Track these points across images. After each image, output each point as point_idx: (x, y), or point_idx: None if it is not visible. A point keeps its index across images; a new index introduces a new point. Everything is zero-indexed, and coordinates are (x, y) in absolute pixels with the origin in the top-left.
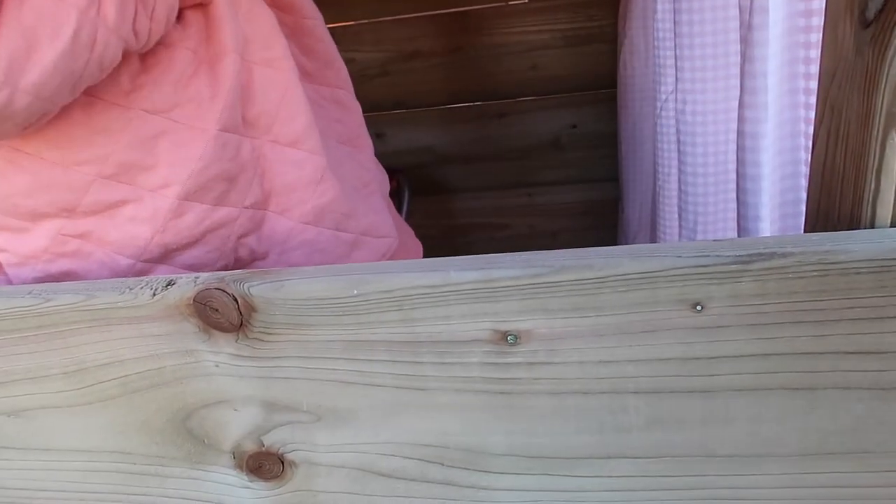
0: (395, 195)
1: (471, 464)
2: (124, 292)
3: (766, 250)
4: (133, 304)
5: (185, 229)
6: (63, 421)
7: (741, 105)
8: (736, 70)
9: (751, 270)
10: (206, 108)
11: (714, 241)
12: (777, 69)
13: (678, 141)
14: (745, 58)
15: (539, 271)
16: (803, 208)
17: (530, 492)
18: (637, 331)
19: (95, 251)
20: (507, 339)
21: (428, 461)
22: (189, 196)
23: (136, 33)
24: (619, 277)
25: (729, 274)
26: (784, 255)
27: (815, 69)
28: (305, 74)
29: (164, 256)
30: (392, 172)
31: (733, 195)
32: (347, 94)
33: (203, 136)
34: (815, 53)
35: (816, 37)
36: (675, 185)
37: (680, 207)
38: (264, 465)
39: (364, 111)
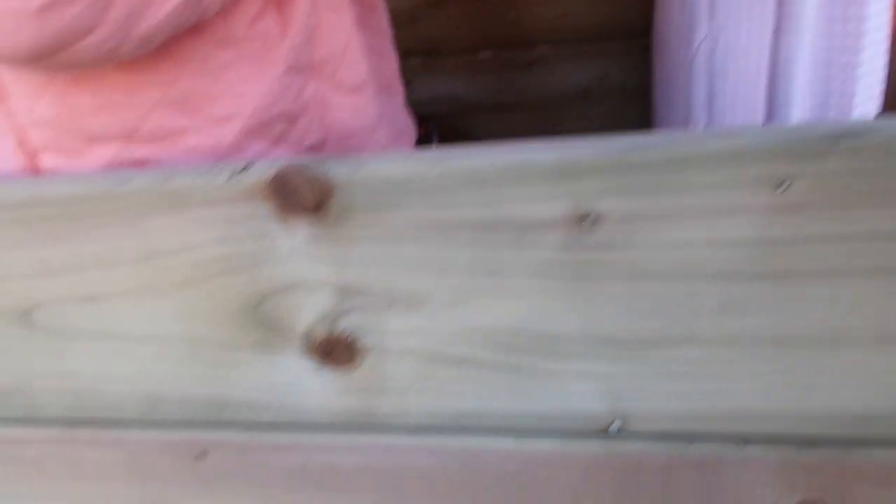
0: (423, 143)
1: (543, 349)
2: (201, 175)
3: (855, 129)
4: (209, 187)
5: None
6: (135, 306)
7: (777, 31)
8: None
9: (838, 149)
10: (274, 46)
11: (802, 123)
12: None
13: (709, 83)
14: None
15: (621, 150)
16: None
17: (600, 377)
18: (717, 212)
19: None
20: (585, 220)
21: (499, 347)
22: (251, 131)
23: None
24: (702, 156)
25: (816, 153)
26: (874, 133)
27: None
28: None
29: None
30: (420, 121)
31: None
32: (388, 41)
33: (270, 73)
34: None
35: None
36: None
37: None
38: (334, 350)
39: None
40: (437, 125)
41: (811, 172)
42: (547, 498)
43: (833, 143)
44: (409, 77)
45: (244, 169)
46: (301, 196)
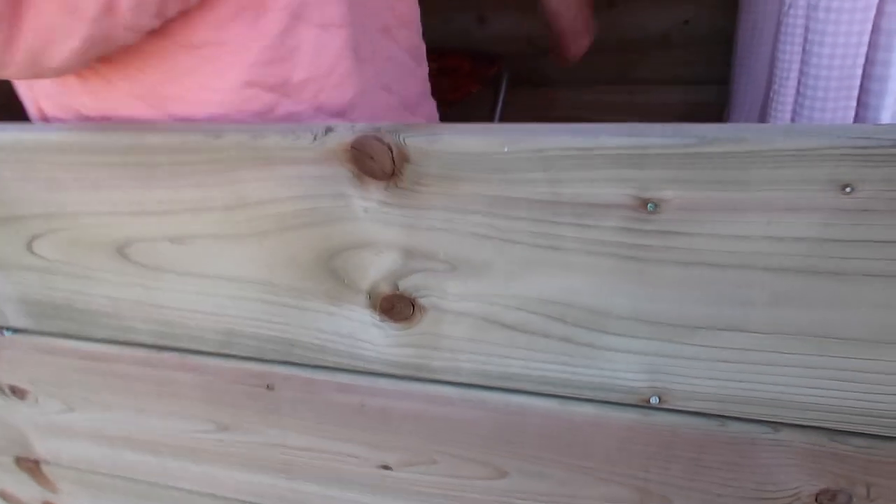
0: (493, 83)
1: (592, 323)
2: (287, 135)
3: None
4: (295, 147)
5: None
6: (219, 250)
7: None
8: None
9: None
10: (238, 56)
11: (874, 124)
12: None
13: (805, 40)
14: None
15: (690, 141)
16: None
17: (645, 355)
18: (779, 208)
19: None
20: (647, 206)
21: (551, 317)
22: None
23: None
24: (770, 152)
25: (887, 157)
26: None
27: None
28: None
29: None
30: (492, 60)
31: (853, 102)
32: (414, 57)
33: (227, 84)
34: None
35: None
36: (792, 90)
37: (794, 112)
38: (396, 306)
39: None
40: (510, 65)
41: (879, 177)
42: (583, 457)
43: None
44: (483, 13)
45: (327, 132)
46: (378, 161)
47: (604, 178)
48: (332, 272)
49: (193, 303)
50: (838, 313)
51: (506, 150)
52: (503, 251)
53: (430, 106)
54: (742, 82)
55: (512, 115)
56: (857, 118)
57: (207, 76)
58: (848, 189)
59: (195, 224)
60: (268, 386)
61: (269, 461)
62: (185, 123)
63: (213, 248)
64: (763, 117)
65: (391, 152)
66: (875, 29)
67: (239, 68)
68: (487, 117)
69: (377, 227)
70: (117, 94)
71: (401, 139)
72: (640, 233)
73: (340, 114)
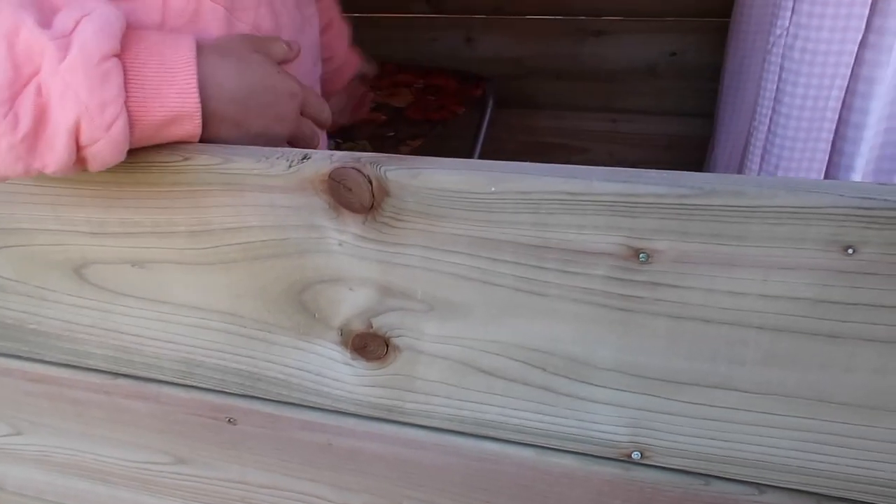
0: (479, 103)
1: (574, 373)
2: (260, 160)
3: None
4: (268, 173)
5: None
6: (183, 277)
7: (862, 45)
8: (860, 10)
9: None
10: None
11: (880, 184)
12: None
13: (779, 79)
14: None
15: (686, 192)
16: None
17: (627, 409)
18: (776, 266)
19: None
20: (639, 256)
21: (531, 364)
22: None
23: None
24: (770, 209)
25: (892, 220)
26: None
27: None
28: None
29: None
30: (479, 80)
31: (824, 144)
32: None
33: None
34: None
35: None
36: (766, 126)
37: (765, 149)
38: (369, 345)
39: (456, 13)
40: (497, 87)
41: (883, 240)
42: None
43: None
44: (471, 34)
45: (304, 159)
46: (356, 194)
47: (593, 224)
48: (302, 306)
49: (153, 330)
50: (832, 377)
51: (492, 189)
52: (484, 293)
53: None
54: (727, 117)
55: (495, 136)
56: (829, 163)
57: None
58: (850, 250)
59: (158, 248)
60: (229, 419)
61: (227, 498)
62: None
63: (175, 273)
64: (744, 155)
65: (371, 185)
66: (854, 76)
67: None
68: (472, 136)
69: (352, 262)
70: None
71: (381, 172)
72: (630, 283)
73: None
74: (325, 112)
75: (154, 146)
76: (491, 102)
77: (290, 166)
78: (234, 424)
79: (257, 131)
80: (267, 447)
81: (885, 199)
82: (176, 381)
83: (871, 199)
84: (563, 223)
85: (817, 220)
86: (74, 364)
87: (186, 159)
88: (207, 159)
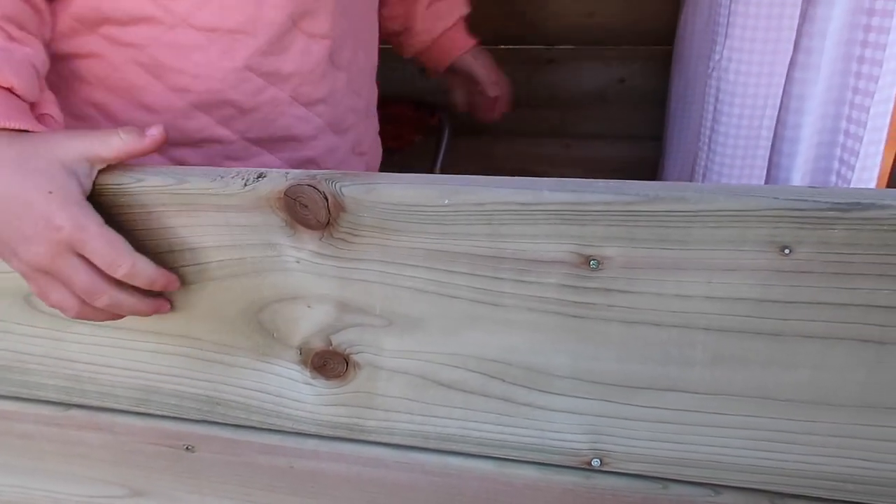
0: (435, 132)
1: (532, 382)
2: (215, 180)
3: (865, 200)
4: (223, 193)
5: (187, 131)
6: None
7: (792, 65)
8: (788, 34)
9: (846, 219)
10: (241, 43)
11: (811, 187)
12: (836, 32)
13: (716, 100)
14: (805, 17)
15: (632, 199)
16: (833, 178)
17: (585, 415)
18: (720, 268)
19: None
20: (589, 263)
21: (490, 375)
22: (199, 106)
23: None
24: (711, 213)
25: (824, 220)
26: (882, 207)
27: (873, 38)
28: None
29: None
30: (434, 109)
31: (761, 160)
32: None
33: (230, 64)
34: (877, 21)
35: (882, 3)
36: (707, 146)
37: (706, 167)
38: (329, 363)
39: None
40: (451, 115)
41: (817, 239)
42: None
43: (842, 212)
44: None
45: (259, 178)
46: (312, 210)
47: (545, 233)
48: (260, 326)
49: (107, 357)
50: (776, 375)
51: (446, 202)
52: (441, 306)
53: (378, 146)
54: (674, 139)
55: (453, 163)
56: (768, 177)
57: (212, 55)
58: (786, 251)
59: None
60: (187, 447)
61: None
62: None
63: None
64: (692, 175)
65: (326, 201)
66: (786, 93)
67: (242, 53)
68: (429, 165)
69: (310, 279)
70: (124, 60)
71: (336, 188)
72: (583, 290)
73: (311, 104)
74: (114, 263)
75: (107, 168)
76: (447, 130)
77: (245, 185)
78: (192, 452)
79: (2, 237)
80: (226, 474)
81: (816, 201)
82: (131, 409)
83: (803, 200)
84: (515, 233)
85: (755, 223)
86: (24, 396)
87: (139, 181)
88: (161, 180)
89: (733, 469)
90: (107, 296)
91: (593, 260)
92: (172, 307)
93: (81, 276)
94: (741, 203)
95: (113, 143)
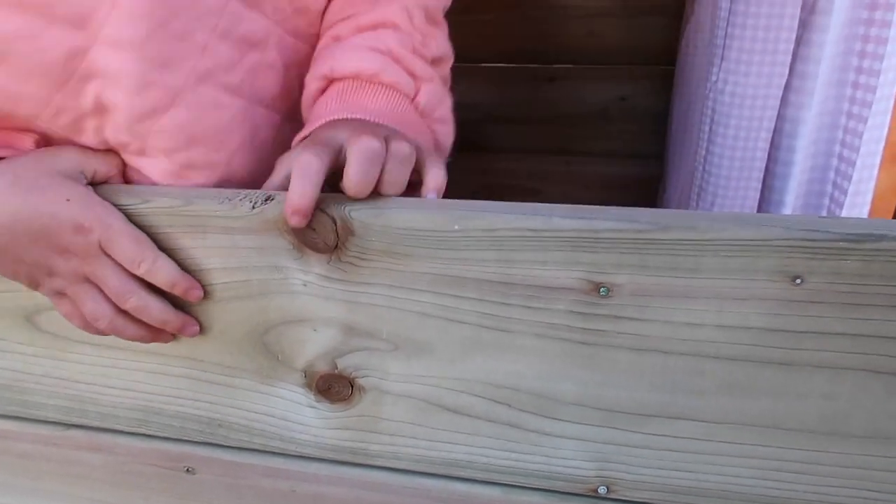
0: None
1: (539, 409)
2: (223, 202)
3: (877, 231)
4: (231, 215)
5: None
6: None
7: (787, 88)
8: (784, 57)
9: (858, 250)
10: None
11: (823, 217)
12: (831, 58)
13: (711, 121)
14: (800, 42)
15: (643, 227)
16: (826, 201)
17: (593, 443)
18: (730, 297)
19: None
20: (599, 290)
21: (497, 401)
22: None
23: None
24: (722, 242)
25: (835, 251)
26: (895, 239)
27: (867, 64)
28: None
29: None
30: None
31: (755, 182)
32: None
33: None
34: (871, 48)
35: (876, 31)
36: (702, 167)
37: (700, 188)
38: (334, 386)
39: None
40: (455, 131)
41: (827, 270)
42: None
43: (855, 243)
44: None
45: (267, 200)
46: (320, 234)
47: (555, 260)
48: (265, 348)
49: (109, 377)
50: (786, 404)
51: (456, 227)
52: (449, 331)
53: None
54: (676, 159)
55: (453, 179)
56: (761, 199)
57: None
58: (798, 280)
59: None
60: (187, 469)
61: None
62: (112, 187)
63: None
64: (690, 195)
65: (335, 224)
66: (780, 116)
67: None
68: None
69: (316, 302)
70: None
71: (346, 212)
72: (592, 317)
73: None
74: (137, 258)
75: (115, 189)
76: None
77: (253, 207)
78: (193, 474)
79: (33, 259)
80: (227, 497)
81: (828, 231)
82: (132, 430)
83: (815, 231)
84: (525, 259)
85: (767, 252)
86: (23, 416)
87: (146, 202)
88: (168, 202)
89: (741, 498)
90: (135, 296)
91: (603, 287)
92: (202, 330)
93: (112, 277)
94: (752, 232)
95: (103, 156)
